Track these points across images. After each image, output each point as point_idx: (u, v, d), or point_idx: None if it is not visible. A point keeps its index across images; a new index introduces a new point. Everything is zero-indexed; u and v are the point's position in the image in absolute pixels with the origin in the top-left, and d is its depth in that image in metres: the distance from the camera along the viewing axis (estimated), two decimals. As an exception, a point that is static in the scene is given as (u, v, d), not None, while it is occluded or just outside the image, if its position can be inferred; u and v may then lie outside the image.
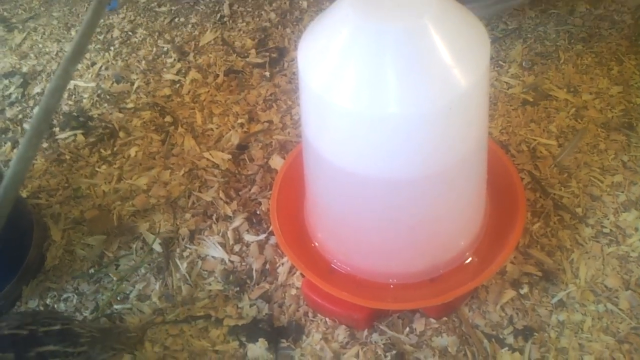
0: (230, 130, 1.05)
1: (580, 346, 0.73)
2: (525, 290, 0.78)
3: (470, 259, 0.76)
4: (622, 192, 0.87)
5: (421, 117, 0.58)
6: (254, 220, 0.92)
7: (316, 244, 0.81)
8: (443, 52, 0.57)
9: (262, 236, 0.90)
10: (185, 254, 0.90)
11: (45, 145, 1.07)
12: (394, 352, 0.75)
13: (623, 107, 0.99)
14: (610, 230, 0.83)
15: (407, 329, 0.78)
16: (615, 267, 0.80)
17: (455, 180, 0.67)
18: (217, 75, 1.14)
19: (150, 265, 0.89)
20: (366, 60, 0.58)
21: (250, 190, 0.96)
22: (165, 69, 1.16)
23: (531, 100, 1.01)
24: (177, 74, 1.15)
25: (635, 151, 0.92)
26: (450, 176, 0.66)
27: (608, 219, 0.84)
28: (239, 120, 1.06)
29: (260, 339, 0.79)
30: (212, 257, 0.89)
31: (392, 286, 0.75)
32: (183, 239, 0.91)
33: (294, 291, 0.84)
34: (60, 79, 0.47)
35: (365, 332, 0.78)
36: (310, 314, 0.81)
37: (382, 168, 0.63)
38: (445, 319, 0.78)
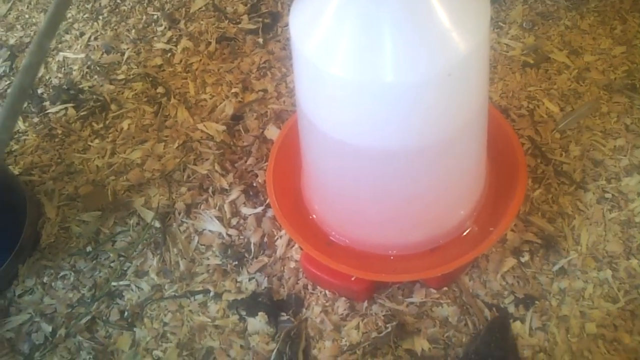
0: (224, 100, 1.02)
1: (582, 314, 0.73)
2: (526, 258, 0.78)
3: (470, 228, 0.75)
4: (625, 156, 0.86)
5: (418, 85, 0.56)
6: (251, 193, 0.91)
7: (314, 216, 0.79)
8: (441, 15, 0.55)
9: (260, 209, 0.89)
10: (182, 228, 0.89)
11: (36, 120, 1.05)
12: (395, 323, 0.75)
13: (626, 67, 0.96)
14: (612, 195, 0.82)
15: (408, 299, 0.77)
16: (617, 233, 0.79)
17: (454, 150, 0.65)
18: (209, 43, 1.10)
19: (147, 240, 0.88)
20: (361, 25, 0.55)
21: (246, 162, 0.94)
22: (155, 38, 1.13)
23: (532, 62, 0.99)
24: (168, 42, 1.12)
25: (639, 113, 0.90)
26: (449, 146, 0.64)
27: (610, 184, 0.83)
28: (233, 90, 1.03)
29: (260, 313, 0.79)
30: (210, 231, 0.88)
31: (391, 257, 0.74)
32: (179, 214, 0.90)
33: (292, 264, 0.83)
34: (34, 55, 0.44)
35: (365, 304, 0.78)
36: (309, 287, 0.81)
37: (378, 138, 0.61)
38: (445, 289, 0.77)
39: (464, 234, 0.74)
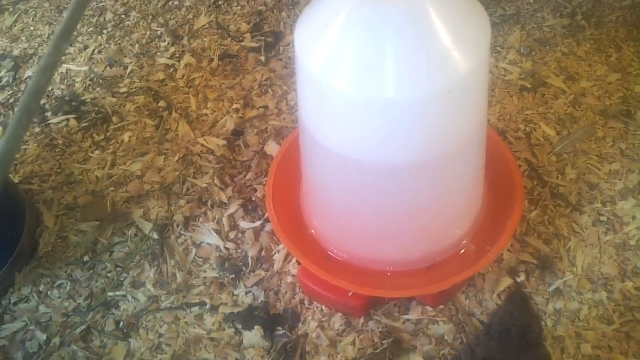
0: (225, 115, 1.03)
1: (577, 334, 0.73)
2: (522, 278, 0.78)
3: (467, 247, 0.75)
4: (620, 180, 0.87)
5: (420, 102, 0.57)
6: (250, 207, 0.92)
7: (312, 231, 0.80)
8: (444, 35, 0.56)
9: (258, 223, 0.89)
10: (180, 240, 0.89)
11: (37, 130, 1.05)
12: (391, 339, 0.75)
13: (621, 94, 0.98)
14: (608, 218, 0.83)
15: (404, 316, 0.77)
16: (612, 256, 0.80)
17: (454, 167, 0.66)
18: (212, 60, 1.12)
19: (144, 252, 0.88)
20: (365, 42, 0.57)
21: (245, 176, 0.95)
22: (159, 53, 1.14)
23: (529, 87, 1.01)
24: (171, 58, 1.13)
25: (634, 139, 0.92)
26: (449, 163, 0.65)
27: (606, 207, 0.84)
28: (234, 106, 1.04)
29: (256, 327, 0.79)
30: (208, 244, 0.88)
31: (389, 274, 0.75)
32: (178, 226, 0.90)
33: (290, 279, 0.83)
34: (51, 56, 0.45)
35: (362, 320, 0.78)
36: (306, 302, 0.81)
37: (379, 153, 0.62)
38: (442, 307, 0.77)
39: (462, 252, 0.75)
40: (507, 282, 0.78)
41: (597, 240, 0.81)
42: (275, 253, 0.86)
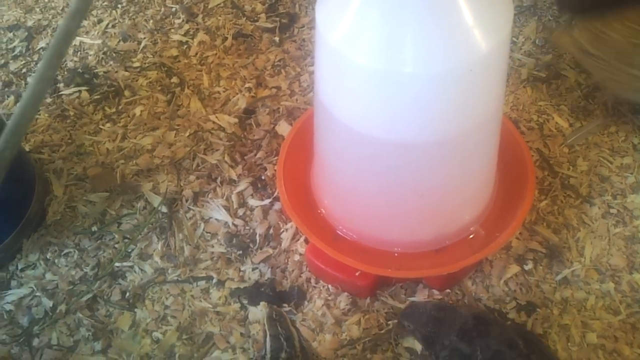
0: (237, 94, 1.03)
1: (583, 323, 0.73)
2: (529, 266, 0.78)
3: (476, 232, 0.75)
4: (631, 174, 0.87)
5: (438, 78, 0.57)
6: (259, 185, 0.92)
7: (322, 210, 0.80)
8: (466, 13, 0.56)
9: (267, 201, 0.89)
10: (188, 215, 0.89)
11: (48, 100, 1.05)
12: (396, 320, 0.75)
13: (635, 89, 0.97)
14: (618, 211, 0.83)
15: (410, 298, 0.77)
16: (620, 248, 0.80)
17: (467, 148, 0.66)
18: (226, 38, 1.12)
19: (153, 224, 0.88)
20: (386, 16, 0.56)
21: (256, 155, 0.95)
22: (173, 30, 1.14)
23: (543, 77, 1.00)
24: (184, 35, 1.13)
25: (645, 134, 0.91)
26: (463, 144, 0.65)
27: (616, 200, 0.84)
28: (247, 85, 1.04)
29: (262, 302, 0.79)
30: (216, 219, 0.88)
31: (396, 255, 0.75)
32: (187, 200, 0.90)
33: (297, 257, 0.84)
34: (81, 1, 0.45)
35: (368, 300, 0.78)
36: (312, 281, 0.81)
37: (395, 130, 0.62)
38: (448, 291, 0.77)
39: (470, 237, 0.75)
40: (514, 269, 0.78)
41: (606, 231, 0.81)
42: (283, 231, 0.86)
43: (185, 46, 1.12)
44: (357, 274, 0.76)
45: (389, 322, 0.75)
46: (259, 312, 0.79)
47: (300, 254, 0.84)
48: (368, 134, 0.63)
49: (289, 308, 0.79)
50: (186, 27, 1.15)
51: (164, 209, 0.90)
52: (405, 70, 0.57)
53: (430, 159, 0.65)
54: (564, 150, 0.91)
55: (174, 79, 1.07)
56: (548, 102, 0.98)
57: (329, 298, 0.79)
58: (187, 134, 0.98)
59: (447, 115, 0.61)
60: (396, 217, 0.73)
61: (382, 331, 0.75)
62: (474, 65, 0.58)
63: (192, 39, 1.13)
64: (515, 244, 0.80)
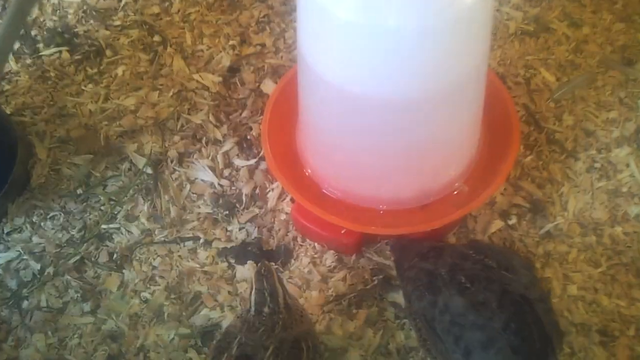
0: (221, 52, 1.01)
1: (564, 276, 0.75)
2: (513, 221, 0.79)
3: (460, 188, 0.75)
4: (617, 128, 0.87)
5: (421, 32, 0.56)
6: (245, 145, 0.91)
7: (308, 170, 0.80)
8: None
9: (253, 161, 0.89)
10: (174, 176, 0.89)
11: (29, 61, 1.03)
12: (381, 276, 0.76)
13: (623, 43, 0.96)
14: (602, 165, 0.83)
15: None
16: (604, 201, 0.80)
17: (452, 103, 0.66)
18: (209, -6, 1.09)
19: (138, 186, 0.88)
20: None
21: (241, 114, 0.94)
22: (154, -15, 1.11)
23: (531, 31, 0.99)
24: (167, -9, 1.10)
25: (633, 87, 0.91)
26: (447, 99, 0.64)
27: (600, 154, 0.84)
28: (231, 42, 1.02)
29: (249, 262, 0.80)
30: (202, 180, 0.88)
31: (382, 212, 0.75)
32: (172, 161, 0.90)
33: (283, 216, 0.84)
34: None
35: (354, 258, 0.79)
36: (299, 239, 0.82)
37: (379, 86, 0.61)
38: (432, 246, 0.78)
39: (455, 193, 0.75)
40: (498, 224, 0.79)
41: (589, 186, 0.81)
42: (269, 191, 0.86)
43: (167, 3, 1.09)
44: (342, 231, 0.76)
45: (374, 278, 0.76)
46: (246, 270, 0.79)
47: (287, 213, 0.84)
48: (350, 91, 0.62)
49: (276, 266, 0.80)
50: (167, -16, 1.11)
51: (149, 170, 0.89)
52: (386, 24, 0.56)
53: (414, 115, 0.65)
54: (550, 105, 0.90)
55: (156, 38, 1.04)
56: (535, 57, 0.97)
57: (315, 256, 0.80)
58: (171, 93, 0.97)
59: (430, 70, 0.60)
60: (381, 174, 0.73)
61: (367, 287, 0.76)
62: (458, 18, 0.56)
63: (174, -5, 1.10)
64: (500, 199, 0.81)
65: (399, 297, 0.74)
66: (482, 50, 0.65)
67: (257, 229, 0.83)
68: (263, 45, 1.02)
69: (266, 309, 0.64)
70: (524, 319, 0.59)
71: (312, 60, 0.65)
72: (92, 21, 1.08)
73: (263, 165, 0.88)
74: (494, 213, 0.80)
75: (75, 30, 1.07)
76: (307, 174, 0.80)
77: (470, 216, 0.80)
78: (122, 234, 0.84)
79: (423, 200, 0.75)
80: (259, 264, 0.67)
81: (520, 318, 0.59)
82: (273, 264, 0.80)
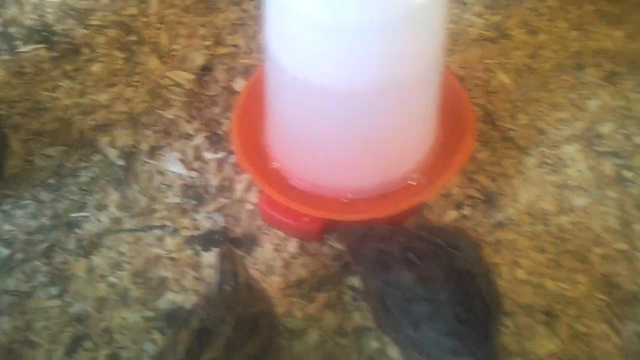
0: (195, 52, 1.05)
1: (513, 262, 0.78)
2: (467, 211, 0.83)
3: (418, 179, 0.79)
4: (567, 126, 0.92)
5: (380, 27, 0.60)
6: (215, 140, 0.94)
7: (276, 164, 0.83)
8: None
9: (222, 154, 0.92)
10: (144, 168, 0.92)
11: (6, 57, 1.06)
12: (342, 262, 0.80)
13: (576, 50, 1.02)
14: (552, 161, 0.88)
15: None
16: (552, 194, 0.85)
17: (410, 97, 0.70)
18: (185, -3, 1.13)
19: (109, 177, 0.90)
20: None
21: (212, 110, 0.98)
22: (130, -14, 1.14)
23: (492, 37, 1.04)
24: (145, -7, 1.14)
25: (581, 90, 0.96)
26: (406, 91, 0.68)
27: (551, 151, 0.89)
28: (205, 43, 1.06)
29: (214, 249, 0.82)
30: (172, 172, 0.91)
31: (346, 201, 0.78)
32: (143, 154, 0.93)
33: (249, 207, 0.87)
34: None
35: (315, 245, 0.82)
36: (264, 228, 0.85)
37: (339, 78, 0.65)
38: (391, 235, 0.81)
39: (412, 183, 0.79)
40: (453, 214, 0.83)
41: (540, 180, 0.86)
42: (237, 183, 0.89)
43: (145, 4, 1.13)
44: (306, 219, 0.80)
45: (334, 264, 0.79)
46: (211, 257, 0.82)
47: (253, 204, 0.87)
48: (312, 83, 0.65)
49: (242, 253, 0.82)
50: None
51: (121, 162, 0.92)
52: (346, 18, 0.60)
53: (374, 107, 0.68)
54: (506, 105, 0.95)
55: (133, 37, 1.08)
56: (495, 61, 1.02)
57: (279, 243, 0.83)
58: (145, 90, 1.00)
59: (390, 62, 0.64)
60: (343, 165, 0.76)
61: (328, 272, 0.79)
62: (416, 13, 0.60)
63: (152, -3, 1.13)
64: (456, 191, 0.85)
65: (356, 282, 0.78)
66: (436, 48, 0.70)
67: (224, 218, 0.86)
68: (236, 46, 1.06)
69: (228, 287, 0.67)
70: (468, 292, 0.63)
71: (274, 53, 0.69)
72: (70, 20, 1.11)
73: (232, 159, 0.92)
74: (449, 203, 0.84)
75: (54, 29, 1.10)
76: (275, 168, 0.83)
77: (427, 206, 0.83)
78: (91, 222, 0.86)
79: (383, 190, 0.78)
80: (224, 247, 0.70)
81: (465, 291, 0.63)
82: (238, 250, 0.83)
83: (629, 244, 0.79)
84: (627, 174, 0.87)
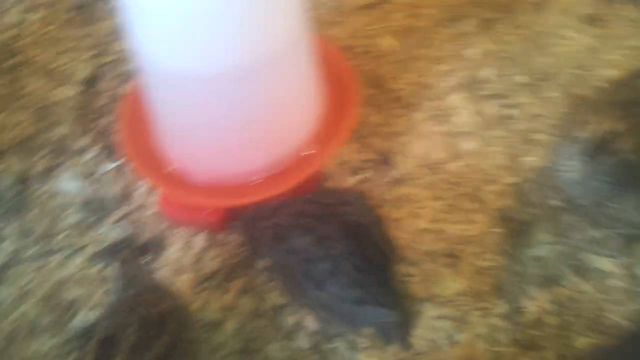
0: (80, 64, 1.03)
1: (413, 214, 0.80)
2: (365, 174, 0.85)
3: (309, 150, 0.80)
4: (450, 77, 0.94)
5: (237, 6, 0.60)
6: (110, 149, 0.93)
7: (174, 166, 0.82)
8: None
9: (118, 164, 0.90)
10: (42, 190, 0.89)
11: None
12: (251, 246, 0.80)
13: (453, 3, 1.05)
14: (440, 112, 0.90)
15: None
16: (443, 143, 0.87)
17: (279, 71, 0.70)
18: (64, 11, 1.10)
19: (5, 207, 0.88)
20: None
21: (103, 121, 0.96)
22: (10, 6, 1.11)
23: (373, 4, 1.06)
24: (24, 12, 1.10)
25: (460, 40, 0.99)
26: (271, 67, 0.68)
27: (438, 103, 0.91)
28: (90, 54, 1.04)
29: (122, 259, 0.81)
30: (69, 190, 0.89)
31: (239, 186, 0.78)
32: (38, 177, 0.90)
33: (153, 211, 0.86)
34: None
35: (223, 235, 0.82)
36: (170, 229, 0.84)
37: (202, 62, 0.65)
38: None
39: (305, 155, 0.80)
40: (351, 180, 0.84)
41: (429, 132, 0.88)
42: (136, 189, 0.88)
43: (25, 24, 1.10)
44: (207, 212, 0.79)
45: (244, 249, 0.80)
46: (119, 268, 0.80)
47: (156, 208, 0.86)
48: (177, 71, 0.65)
49: (151, 257, 0.81)
50: (23, 4, 1.12)
51: (16, 189, 0.89)
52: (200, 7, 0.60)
53: (244, 89, 0.68)
54: (393, 67, 0.97)
55: (16, 59, 1.05)
56: (378, 26, 1.03)
57: (188, 240, 0.82)
58: (33, 111, 0.98)
59: (247, 39, 0.64)
60: (228, 151, 0.76)
61: (239, 259, 0.79)
62: None
63: (31, 15, 1.10)
64: (351, 157, 0.86)
65: (265, 262, 0.78)
66: (297, 22, 0.70)
67: (128, 226, 0.85)
68: (120, 52, 1.04)
69: (130, 292, 0.66)
70: (362, 242, 0.65)
71: (134, 43, 0.68)
72: (-55, 50, 1.06)
73: (129, 167, 0.90)
74: (347, 170, 0.85)
75: None
76: (170, 169, 0.82)
77: (328, 176, 0.84)
78: (-8, 255, 0.84)
79: (276, 168, 0.79)
80: (123, 254, 0.69)
81: (359, 242, 0.64)
82: (147, 256, 0.82)
83: (518, 176, 0.83)
84: (511, 112, 0.90)
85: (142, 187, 0.88)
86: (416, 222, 0.79)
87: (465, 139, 0.87)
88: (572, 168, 0.72)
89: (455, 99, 0.91)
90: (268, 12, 0.65)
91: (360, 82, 0.87)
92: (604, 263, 0.74)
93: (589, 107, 0.76)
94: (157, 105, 0.77)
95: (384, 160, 0.86)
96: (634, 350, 0.63)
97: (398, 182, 0.84)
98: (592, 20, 1.01)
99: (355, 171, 0.85)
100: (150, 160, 0.82)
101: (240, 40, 0.64)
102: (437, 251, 0.76)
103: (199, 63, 0.65)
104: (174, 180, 0.81)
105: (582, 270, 0.74)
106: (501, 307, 0.72)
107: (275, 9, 0.66)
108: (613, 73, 0.91)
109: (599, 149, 0.68)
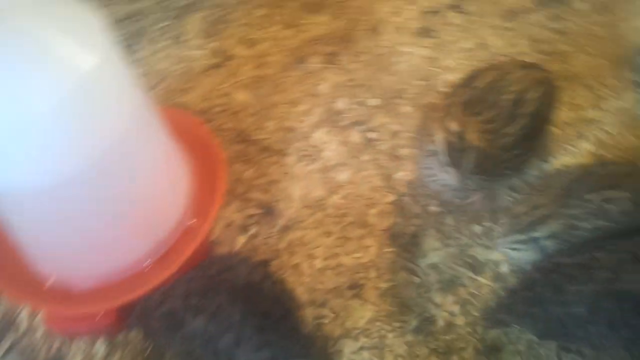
0: None
1: (309, 255, 0.81)
2: (253, 230, 0.84)
3: (191, 224, 0.78)
4: (309, 116, 0.98)
5: (40, 117, 0.57)
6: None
7: (49, 281, 0.77)
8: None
9: (-9, 291, 0.83)
10: None
11: None
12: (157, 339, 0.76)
13: (294, 46, 1.09)
14: (309, 151, 0.93)
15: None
16: (319, 180, 0.89)
17: (122, 166, 0.66)
18: None
19: None
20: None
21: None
22: None
23: (217, 64, 1.07)
24: None
25: (310, 79, 1.03)
26: (112, 165, 0.64)
27: (305, 142, 0.94)
28: None
29: (16, 393, 0.74)
30: (-60, 336, 0.80)
31: (127, 281, 0.75)
32: None
33: (41, 331, 0.80)
34: None
35: (122, 334, 0.77)
36: (66, 343, 0.78)
37: (12, 180, 0.60)
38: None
39: (187, 226, 0.78)
40: (241, 239, 0.84)
41: (304, 172, 0.90)
42: (18, 314, 0.81)
43: None
44: (98, 317, 0.75)
45: (148, 343, 0.76)
46: (17, 403, 0.73)
47: (44, 327, 0.80)
48: (6, 188, 0.61)
49: (50, 382, 0.75)
50: None
51: None
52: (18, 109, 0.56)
53: (88, 193, 0.65)
54: (252, 119, 0.99)
55: None
56: (228, 83, 1.05)
57: (87, 352, 0.77)
58: None
59: (66, 151, 0.60)
60: (103, 251, 0.73)
61: (146, 355, 0.75)
62: (76, 91, 0.58)
63: None
64: (235, 217, 0.86)
65: (171, 352, 0.75)
66: (130, 114, 0.67)
67: (19, 354, 0.78)
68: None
69: None
70: (256, 301, 0.64)
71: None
72: None
73: (3, 295, 0.83)
74: (234, 231, 0.85)
75: None
76: (46, 282, 0.77)
77: (217, 242, 0.83)
78: None
79: (161, 249, 0.76)
80: None
81: (253, 302, 0.64)
82: (45, 381, 0.75)
83: (395, 193, 0.87)
84: (373, 135, 0.95)
85: (24, 311, 0.81)
86: (314, 263, 0.80)
87: (339, 171, 0.90)
88: (437, 173, 0.76)
89: (320, 135, 0.95)
90: (95, 116, 0.62)
91: (221, 142, 0.87)
92: (492, 253, 0.79)
93: (437, 114, 0.82)
94: (12, 225, 0.72)
95: (268, 211, 0.87)
96: (534, 294, 0.67)
97: (287, 228, 0.85)
98: (425, 32, 1.09)
99: (243, 229, 0.85)
100: (24, 281, 0.77)
101: (66, 152, 0.60)
102: (340, 286, 0.77)
103: (33, 176, 0.61)
104: (55, 294, 0.76)
105: (475, 266, 0.78)
106: (412, 322, 0.74)
107: (105, 110, 0.64)
108: (453, 77, 0.99)
109: (452, 149, 0.73)
